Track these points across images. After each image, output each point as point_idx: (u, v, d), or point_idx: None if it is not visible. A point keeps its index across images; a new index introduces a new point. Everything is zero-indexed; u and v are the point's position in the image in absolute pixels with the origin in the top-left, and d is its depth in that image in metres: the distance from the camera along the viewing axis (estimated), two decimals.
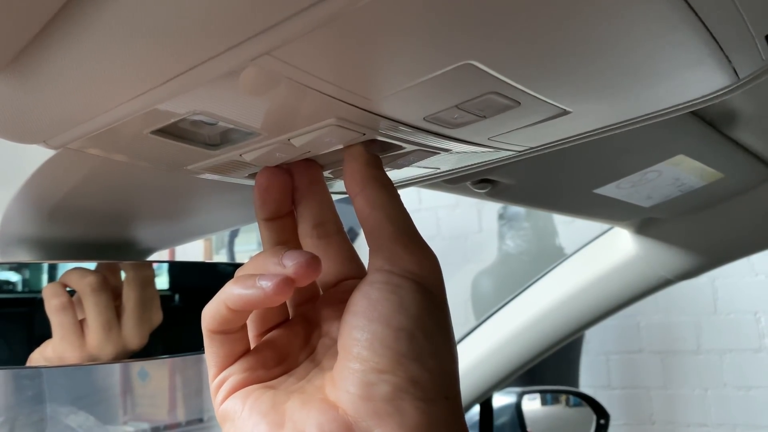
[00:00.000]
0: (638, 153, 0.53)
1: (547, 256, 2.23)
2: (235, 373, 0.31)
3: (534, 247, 2.37)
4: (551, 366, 2.22)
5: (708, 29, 0.26)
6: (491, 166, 0.42)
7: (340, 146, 0.32)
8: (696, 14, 0.25)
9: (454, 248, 2.93)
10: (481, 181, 0.52)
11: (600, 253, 0.89)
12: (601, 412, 1.29)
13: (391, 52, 0.23)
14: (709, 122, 0.54)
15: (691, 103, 0.35)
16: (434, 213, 2.94)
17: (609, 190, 0.60)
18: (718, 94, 0.34)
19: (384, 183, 0.31)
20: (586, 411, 1.34)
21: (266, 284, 0.28)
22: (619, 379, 2.58)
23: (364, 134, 0.31)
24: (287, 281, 0.28)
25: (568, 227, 2.39)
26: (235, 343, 0.31)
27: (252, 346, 0.33)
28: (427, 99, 0.28)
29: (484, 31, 0.22)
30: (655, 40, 0.26)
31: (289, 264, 0.29)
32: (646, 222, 0.80)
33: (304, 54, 0.22)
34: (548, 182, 0.57)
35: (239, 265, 0.33)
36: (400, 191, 0.34)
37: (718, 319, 2.40)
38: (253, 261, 0.31)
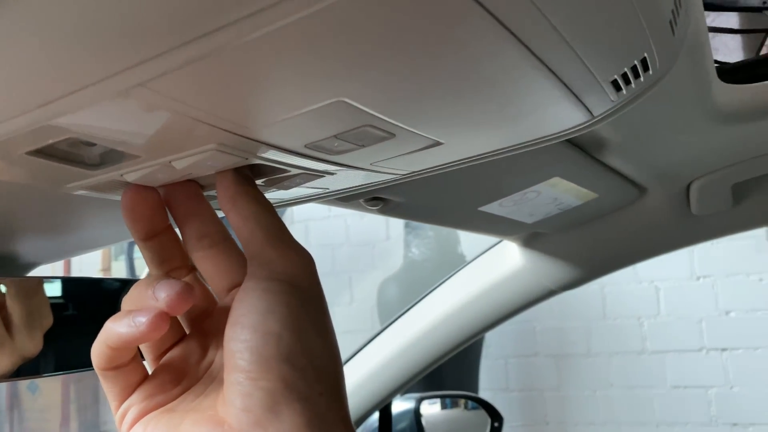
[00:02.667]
0: (517, 175, 0.57)
1: (450, 263, 2.29)
2: (135, 403, 0.31)
3: (437, 254, 2.43)
4: (452, 370, 2.28)
5: (557, 77, 0.30)
6: (380, 186, 0.44)
7: (224, 169, 0.33)
8: (545, 65, 0.28)
9: (361, 255, 2.96)
10: (372, 199, 0.54)
11: (490, 264, 0.94)
12: (495, 415, 1.35)
13: (265, 89, 0.24)
14: (582, 148, 0.58)
15: (553, 136, 0.38)
16: (343, 221, 2.96)
17: (493, 207, 0.63)
18: (577, 128, 0.38)
19: (254, 196, 0.32)
20: (483, 414, 1.39)
21: (141, 321, 0.28)
22: (517, 381, 2.70)
23: (247, 159, 0.32)
24: (161, 316, 0.29)
25: (469, 235, 2.48)
26: (129, 374, 0.32)
27: (151, 370, 0.33)
28: (305, 129, 0.29)
29: (353, 73, 0.24)
30: (512, 84, 0.29)
31: (161, 296, 0.29)
32: (531, 236, 0.85)
33: (180, 86, 0.23)
34: (436, 200, 0.60)
35: (126, 281, 0.33)
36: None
37: (606, 323, 2.56)
38: (132, 291, 0.31)
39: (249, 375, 0.28)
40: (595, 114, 0.36)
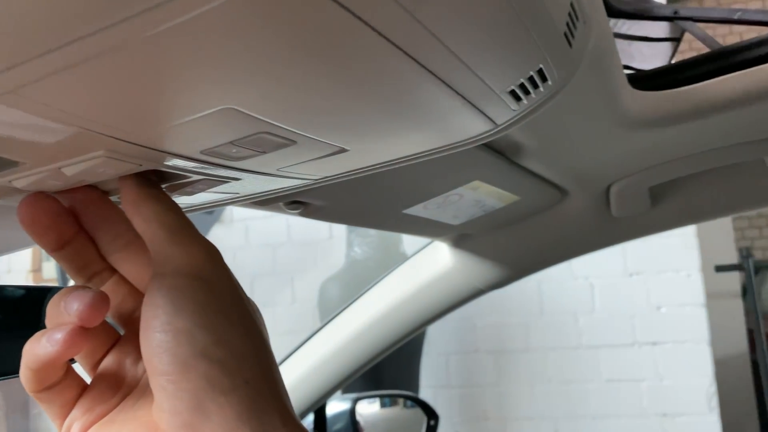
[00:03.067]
0: (439, 179, 0.58)
1: (392, 262, 2.31)
2: (77, 418, 0.30)
3: (380, 253, 2.44)
4: (393, 369, 2.30)
5: (452, 88, 0.30)
6: (297, 190, 0.44)
7: (120, 175, 0.32)
8: (437, 77, 0.28)
9: (303, 255, 2.94)
10: (293, 203, 0.53)
11: (422, 264, 0.95)
12: (431, 413, 1.37)
13: (148, 96, 0.24)
14: (500, 152, 0.59)
15: (459, 144, 0.39)
16: (285, 220, 2.93)
17: (417, 210, 0.64)
18: (482, 137, 0.38)
19: (157, 197, 0.31)
20: (420, 412, 1.40)
21: (57, 338, 0.28)
22: (458, 378, 2.73)
23: (140, 165, 0.31)
24: (77, 331, 0.28)
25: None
26: (64, 391, 0.31)
27: (91, 380, 0.32)
28: (198, 136, 0.28)
29: (241, 80, 0.23)
30: (406, 95, 0.29)
31: (72, 310, 0.28)
32: (460, 237, 0.86)
33: (54, 93, 0.22)
34: (359, 203, 0.60)
35: (50, 289, 0.32)
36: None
37: (543, 319, 2.62)
38: (48, 308, 0.30)
39: (170, 378, 0.27)
40: (498, 123, 0.37)
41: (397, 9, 0.21)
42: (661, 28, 0.67)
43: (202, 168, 0.33)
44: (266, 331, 0.33)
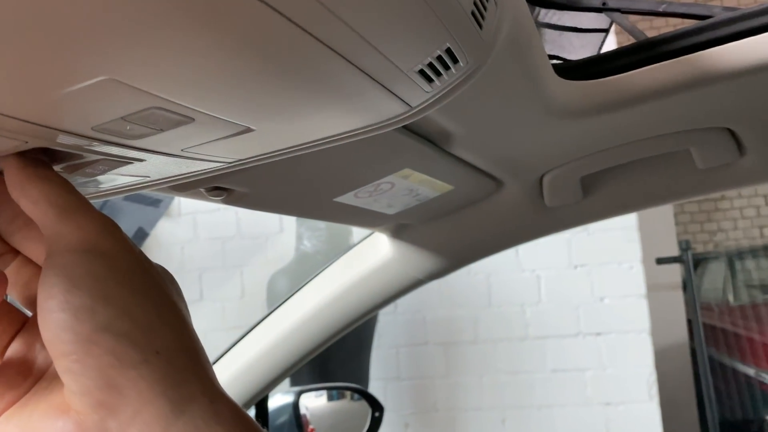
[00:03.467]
0: (367, 166, 0.57)
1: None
2: None
3: (330, 246, 2.43)
4: (343, 362, 2.29)
5: (357, 67, 0.29)
6: (214, 174, 0.42)
7: (5, 153, 0.30)
8: (341, 55, 0.28)
9: (253, 248, 2.90)
10: (214, 189, 0.52)
11: (363, 255, 0.94)
12: (375, 405, 1.37)
13: (17, 63, 0.22)
14: (430, 140, 0.59)
15: (376, 126, 0.38)
16: (234, 213, 2.89)
17: (348, 198, 0.63)
18: (398, 119, 0.38)
19: (45, 177, 0.30)
20: (366, 405, 1.40)
21: None
22: (408, 370, 2.75)
23: (27, 142, 0.29)
24: None
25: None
26: None
27: None
28: (85, 110, 0.27)
29: (118, 49, 0.22)
30: (309, 73, 0.28)
31: None
32: (400, 227, 0.86)
33: None
34: (286, 191, 0.58)
35: None
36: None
37: (492, 311, 2.66)
38: None
39: (74, 357, 0.26)
40: (413, 105, 0.37)
41: None
42: (590, 19, 0.68)
43: (97, 146, 0.31)
44: (182, 299, 0.32)
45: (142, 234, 2.77)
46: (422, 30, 0.30)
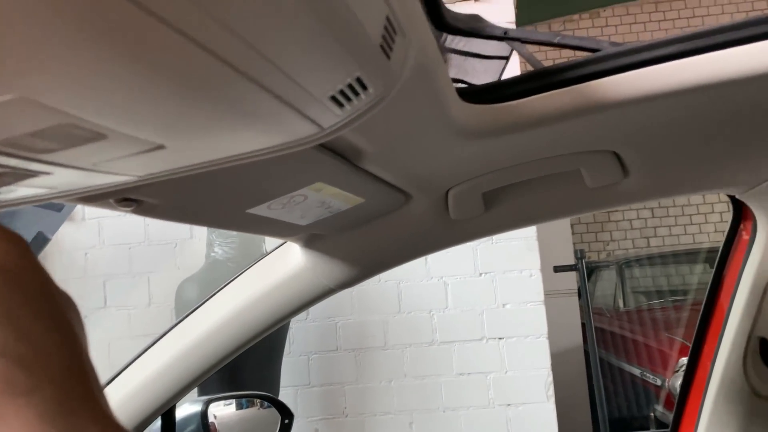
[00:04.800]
0: (281, 179, 0.59)
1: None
2: None
3: (241, 254, 2.40)
4: (253, 370, 2.26)
5: (274, 94, 0.31)
6: (122, 187, 0.42)
7: None
8: (257, 83, 0.29)
9: (162, 255, 2.81)
10: (124, 200, 0.52)
11: (275, 264, 0.95)
12: (285, 412, 1.37)
13: None
14: (343, 155, 0.62)
15: (288, 145, 0.40)
16: (142, 218, 2.79)
17: (261, 210, 0.64)
18: (309, 139, 0.40)
19: None
20: (276, 412, 1.40)
21: None
22: (319, 376, 2.75)
23: None
24: None
25: None
26: None
27: None
28: None
29: (30, 69, 0.23)
30: (219, 95, 0.30)
31: None
32: (311, 237, 0.87)
33: None
34: (198, 202, 0.59)
35: None
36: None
37: (401, 317, 2.71)
38: None
39: None
40: (324, 126, 0.39)
41: (189, 5, 0.21)
42: (492, 47, 0.73)
43: (2, 160, 0.31)
44: (81, 325, 0.31)
45: (43, 239, 2.61)
46: (334, 61, 0.32)
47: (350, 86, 0.35)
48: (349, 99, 0.36)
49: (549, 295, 2.74)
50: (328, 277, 0.92)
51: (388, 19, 0.35)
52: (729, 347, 0.93)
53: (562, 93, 0.65)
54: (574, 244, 4.02)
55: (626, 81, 0.64)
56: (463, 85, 0.73)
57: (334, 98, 0.35)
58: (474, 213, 0.84)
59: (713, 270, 0.97)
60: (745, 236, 0.89)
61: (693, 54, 0.62)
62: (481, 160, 0.73)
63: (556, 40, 0.69)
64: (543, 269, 2.70)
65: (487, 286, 2.67)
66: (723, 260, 0.95)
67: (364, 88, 0.36)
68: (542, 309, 2.65)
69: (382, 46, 0.35)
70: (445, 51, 0.70)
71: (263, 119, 0.34)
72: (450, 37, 0.70)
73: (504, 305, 2.67)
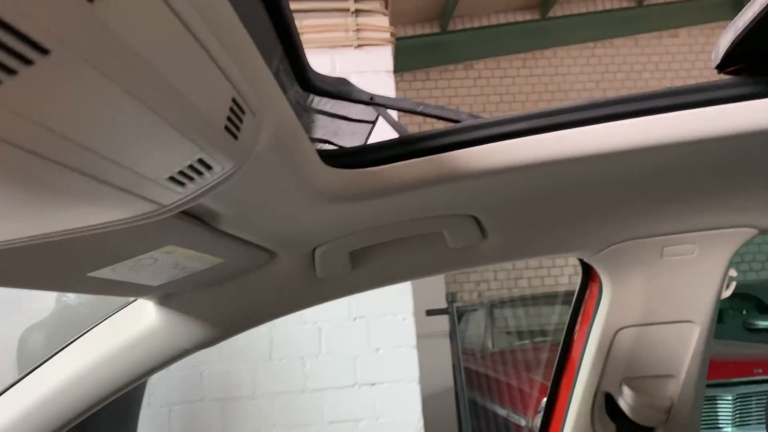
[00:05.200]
0: (125, 244, 0.54)
1: (110, 310, 2.12)
2: None
3: (96, 299, 2.22)
4: (108, 423, 2.09)
5: (103, 181, 0.29)
6: None
7: None
8: (76, 170, 0.27)
9: (6, 298, 2.55)
10: None
11: (128, 320, 0.88)
12: None
13: None
14: (198, 218, 0.58)
15: (124, 221, 0.37)
16: None
17: (105, 273, 0.59)
18: (147, 216, 0.37)
19: None
20: None
21: None
22: (180, 429, 2.59)
23: None
24: None
25: None
26: None
27: None
28: None
29: None
30: (34, 184, 0.27)
31: None
32: (165, 295, 0.82)
33: None
34: (32, 266, 0.53)
35: None
36: None
37: (272, 365, 2.63)
38: None
39: None
40: (165, 204, 0.36)
41: None
42: (359, 111, 0.74)
43: None
44: None
45: None
46: (171, 147, 0.30)
47: (192, 167, 0.33)
48: (191, 178, 0.34)
49: (422, 337, 2.78)
50: (184, 338, 0.87)
51: (234, 100, 0.33)
52: (579, 400, 0.98)
53: (424, 161, 0.67)
54: (447, 284, 4.14)
55: (484, 152, 0.67)
56: (331, 147, 0.73)
57: (173, 179, 0.33)
58: (341, 271, 0.83)
59: (566, 326, 1.03)
60: (593, 296, 0.95)
61: (543, 131, 0.66)
62: (347, 221, 0.72)
63: (419, 109, 0.71)
64: (416, 312, 2.74)
65: (361, 331, 2.67)
66: (574, 317, 1.01)
67: (208, 167, 0.34)
68: (414, 353, 2.68)
69: (227, 128, 0.33)
70: (311, 112, 0.70)
71: (92, 201, 0.31)
72: (317, 98, 0.70)
73: (377, 350, 2.68)
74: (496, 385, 3.78)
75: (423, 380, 2.69)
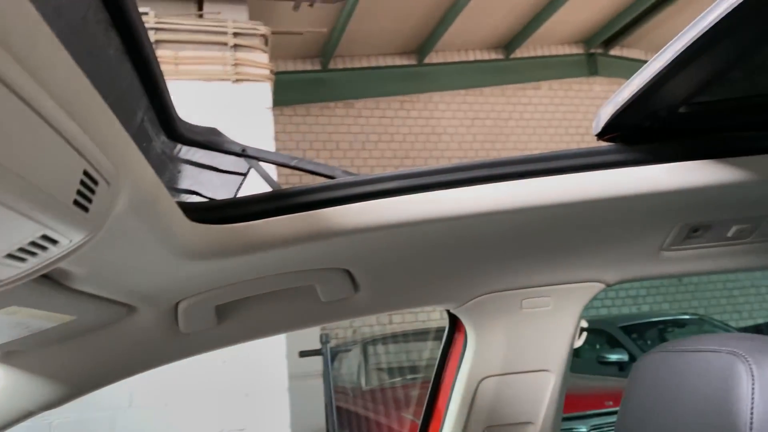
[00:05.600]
0: None
1: None
2: None
3: None
4: None
5: None
6: None
7: None
8: None
9: None
10: None
11: None
12: None
13: None
14: (46, 277, 0.54)
15: None
16: None
17: None
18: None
19: None
20: None
21: None
22: None
23: None
24: None
25: None
26: None
27: None
28: None
29: None
30: None
31: None
32: (7, 354, 0.74)
33: None
34: None
35: None
36: None
37: (132, 412, 2.46)
38: None
39: None
40: (3, 278, 0.33)
41: None
42: (230, 162, 0.72)
43: None
44: None
45: None
46: (7, 226, 0.27)
47: (34, 243, 0.31)
48: (34, 253, 0.32)
49: (295, 378, 2.72)
50: (27, 399, 0.79)
51: (86, 173, 0.31)
52: None
53: (297, 218, 0.66)
54: (320, 329, 4.10)
55: (358, 210, 0.68)
56: (199, 199, 0.71)
57: (12, 256, 0.30)
58: (206, 326, 0.79)
59: (433, 374, 1.05)
60: (459, 346, 0.98)
61: (414, 191, 0.68)
62: (213, 276, 0.70)
63: (293, 163, 0.70)
64: (290, 354, 2.69)
65: (231, 375, 2.56)
66: (441, 366, 1.03)
67: (54, 242, 0.32)
68: (286, 397, 2.61)
69: (77, 202, 0.31)
70: (178, 162, 0.67)
71: None
72: (186, 148, 0.68)
73: (246, 395, 2.58)
74: (367, 424, 3.77)
75: (295, 422, 2.63)
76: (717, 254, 0.85)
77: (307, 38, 5.82)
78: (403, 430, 3.25)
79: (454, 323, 0.99)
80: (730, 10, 0.47)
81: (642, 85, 0.60)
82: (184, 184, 0.70)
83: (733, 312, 7.75)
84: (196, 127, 0.66)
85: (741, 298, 7.88)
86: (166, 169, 0.62)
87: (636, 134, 0.71)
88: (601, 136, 0.72)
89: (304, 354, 3.09)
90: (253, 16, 3.34)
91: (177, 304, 0.75)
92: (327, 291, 0.81)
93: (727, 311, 7.75)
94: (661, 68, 0.56)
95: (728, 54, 0.56)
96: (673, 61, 0.55)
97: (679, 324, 5.47)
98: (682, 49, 0.53)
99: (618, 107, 0.65)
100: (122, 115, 0.42)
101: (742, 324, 7.40)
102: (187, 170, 0.69)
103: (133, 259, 0.56)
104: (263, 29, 3.08)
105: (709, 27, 0.50)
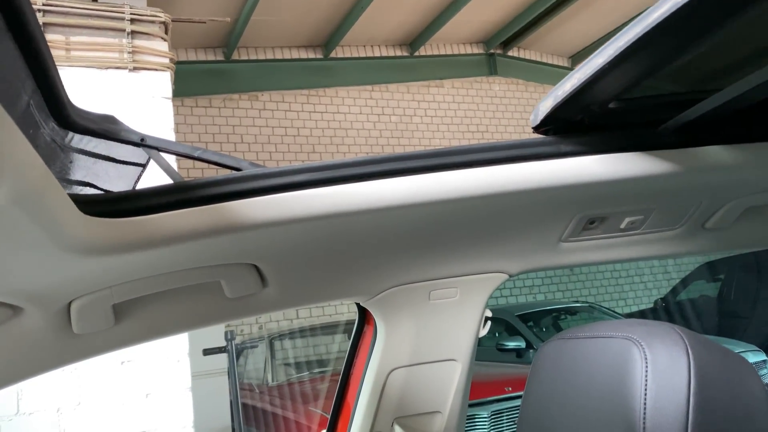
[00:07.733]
0: None
1: None
2: None
3: None
4: None
5: None
6: None
7: None
8: None
9: None
10: None
11: None
12: None
13: None
14: None
15: None
16: None
17: None
18: None
19: None
20: None
21: None
22: None
23: None
24: None
25: None
26: None
27: None
28: None
29: None
30: None
31: None
32: None
33: None
34: None
35: None
36: None
37: (20, 420, 2.29)
38: None
39: None
40: None
41: None
42: (127, 152, 0.68)
43: None
44: None
45: None
46: None
47: None
48: None
49: (199, 377, 2.64)
50: None
51: None
52: None
53: (201, 211, 0.64)
54: (225, 325, 4.00)
55: (265, 203, 0.66)
56: (94, 191, 0.66)
57: None
58: (102, 326, 0.75)
59: (342, 368, 1.05)
60: (368, 338, 0.99)
61: (322, 185, 0.67)
62: (109, 273, 0.66)
63: (196, 154, 0.67)
64: (193, 352, 2.60)
65: (131, 376, 2.44)
66: (350, 359, 1.03)
67: None
68: (189, 396, 2.53)
69: None
70: (70, 151, 0.62)
71: None
72: (79, 136, 0.63)
73: (147, 395, 2.47)
74: (274, 420, 3.72)
75: (199, 421, 2.55)
76: (611, 245, 0.90)
77: (210, 27, 5.63)
78: (312, 424, 3.23)
79: (364, 316, 0.99)
80: (674, 9, 0.49)
81: (583, 80, 0.62)
82: (77, 175, 0.65)
83: (619, 300, 8.31)
84: (91, 113, 0.62)
85: (627, 287, 8.46)
86: (57, 158, 0.57)
87: (568, 128, 0.73)
88: (537, 129, 0.74)
89: (208, 352, 3.00)
90: (152, 3, 3.19)
91: (70, 303, 0.70)
92: (233, 287, 0.78)
93: (614, 299, 8.30)
94: (603, 63, 0.58)
95: (663, 52, 0.58)
96: (615, 56, 0.57)
97: (571, 312, 5.79)
98: (625, 46, 0.55)
99: (558, 101, 0.67)
100: (3, 98, 0.38)
101: (627, 310, 7.97)
102: (81, 160, 0.64)
103: (17, 256, 0.51)
104: (163, 16, 2.95)
105: (653, 25, 0.52)
